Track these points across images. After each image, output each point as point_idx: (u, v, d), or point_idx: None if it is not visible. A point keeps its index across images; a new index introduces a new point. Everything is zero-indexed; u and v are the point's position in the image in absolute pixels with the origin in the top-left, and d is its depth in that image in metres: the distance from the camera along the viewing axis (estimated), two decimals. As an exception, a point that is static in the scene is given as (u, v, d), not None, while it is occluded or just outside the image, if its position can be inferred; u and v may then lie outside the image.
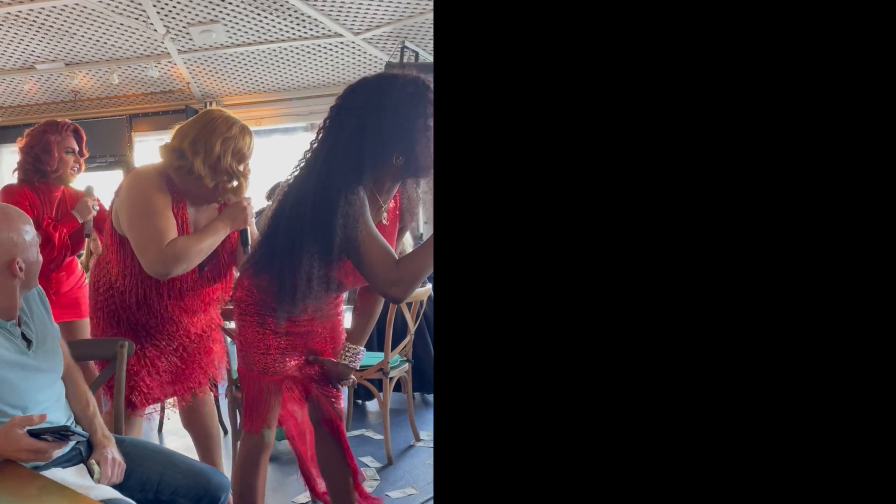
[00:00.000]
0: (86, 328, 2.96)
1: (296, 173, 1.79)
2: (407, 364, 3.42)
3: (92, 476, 1.52)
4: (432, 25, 4.91)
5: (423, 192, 1.93)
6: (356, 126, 1.67)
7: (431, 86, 1.70)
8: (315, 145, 1.76)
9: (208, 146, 1.98)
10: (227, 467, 2.81)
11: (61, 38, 5.06)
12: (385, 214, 1.88)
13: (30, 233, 1.57)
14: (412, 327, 3.35)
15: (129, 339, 2.05)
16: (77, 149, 2.88)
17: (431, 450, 3.34)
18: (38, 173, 2.82)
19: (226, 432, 3.51)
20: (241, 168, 2.05)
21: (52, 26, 4.83)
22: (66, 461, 1.55)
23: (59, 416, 1.57)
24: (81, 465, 1.56)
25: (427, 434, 3.56)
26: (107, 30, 4.91)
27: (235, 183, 2.08)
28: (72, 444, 1.55)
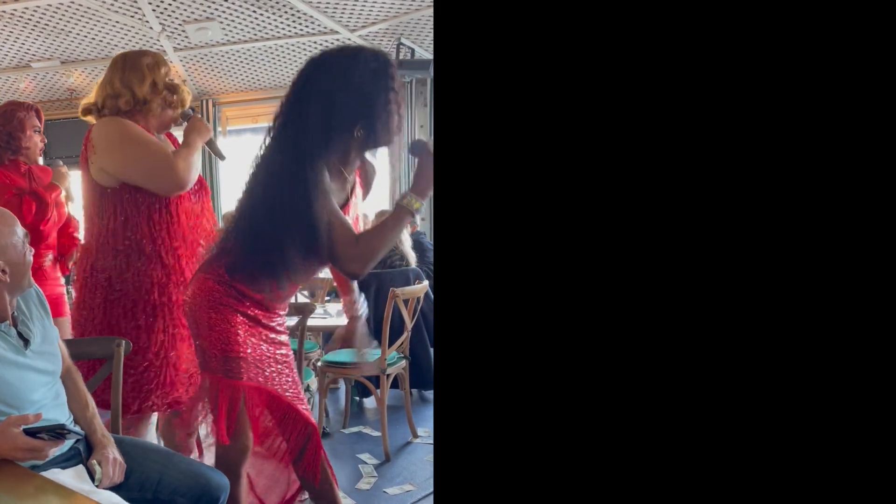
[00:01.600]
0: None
1: (263, 151, 1.81)
2: (404, 361, 3.42)
3: (93, 477, 1.52)
4: (428, 22, 4.90)
5: (389, 160, 1.95)
6: (321, 99, 1.70)
7: (392, 59, 1.76)
8: (280, 119, 1.78)
9: (137, 75, 2.12)
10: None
11: (57, 36, 5.04)
12: (350, 187, 1.89)
13: (13, 234, 1.55)
14: (409, 324, 3.36)
15: (144, 324, 2.09)
16: (40, 127, 2.94)
17: (429, 446, 3.35)
18: (10, 150, 2.85)
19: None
20: (172, 79, 2.20)
21: (47, 24, 4.81)
22: (64, 461, 1.55)
23: (57, 416, 1.57)
24: (80, 466, 1.56)
25: (425, 431, 3.56)
26: (102, 27, 4.90)
27: (176, 96, 2.19)
28: (69, 443, 1.55)
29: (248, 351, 1.86)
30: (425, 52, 5.38)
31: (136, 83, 2.11)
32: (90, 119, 2.19)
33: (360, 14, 4.79)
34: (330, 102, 1.69)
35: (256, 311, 1.88)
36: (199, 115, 2.29)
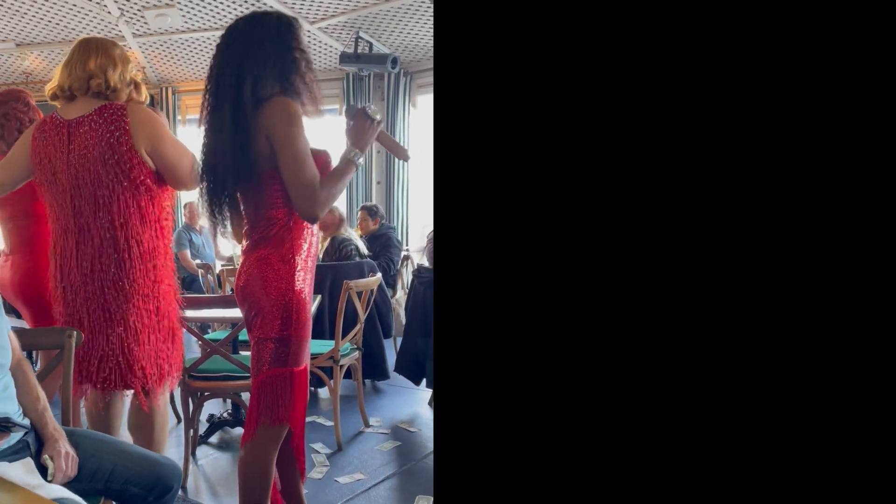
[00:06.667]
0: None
1: (204, 118, 1.93)
2: (357, 352, 3.48)
3: (46, 473, 1.52)
4: (386, 16, 4.93)
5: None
6: (239, 60, 1.86)
7: (297, 23, 1.97)
8: (211, 83, 1.91)
9: (110, 62, 2.18)
10: (175, 456, 2.85)
11: (11, 18, 4.97)
12: None
13: None
14: (362, 316, 3.42)
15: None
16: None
17: (380, 435, 3.42)
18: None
19: (179, 420, 3.54)
20: (137, 76, 2.28)
21: (1, 5, 4.74)
22: (12, 454, 1.55)
23: (5, 409, 1.57)
24: (29, 459, 1.55)
25: (376, 420, 3.63)
26: (59, 10, 4.84)
27: (138, 93, 2.26)
28: (16, 436, 1.55)
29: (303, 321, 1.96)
30: (383, 47, 5.41)
31: (109, 69, 2.16)
32: (58, 104, 2.20)
33: (319, 6, 4.80)
34: (247, 61, 1.85)
35: None
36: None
